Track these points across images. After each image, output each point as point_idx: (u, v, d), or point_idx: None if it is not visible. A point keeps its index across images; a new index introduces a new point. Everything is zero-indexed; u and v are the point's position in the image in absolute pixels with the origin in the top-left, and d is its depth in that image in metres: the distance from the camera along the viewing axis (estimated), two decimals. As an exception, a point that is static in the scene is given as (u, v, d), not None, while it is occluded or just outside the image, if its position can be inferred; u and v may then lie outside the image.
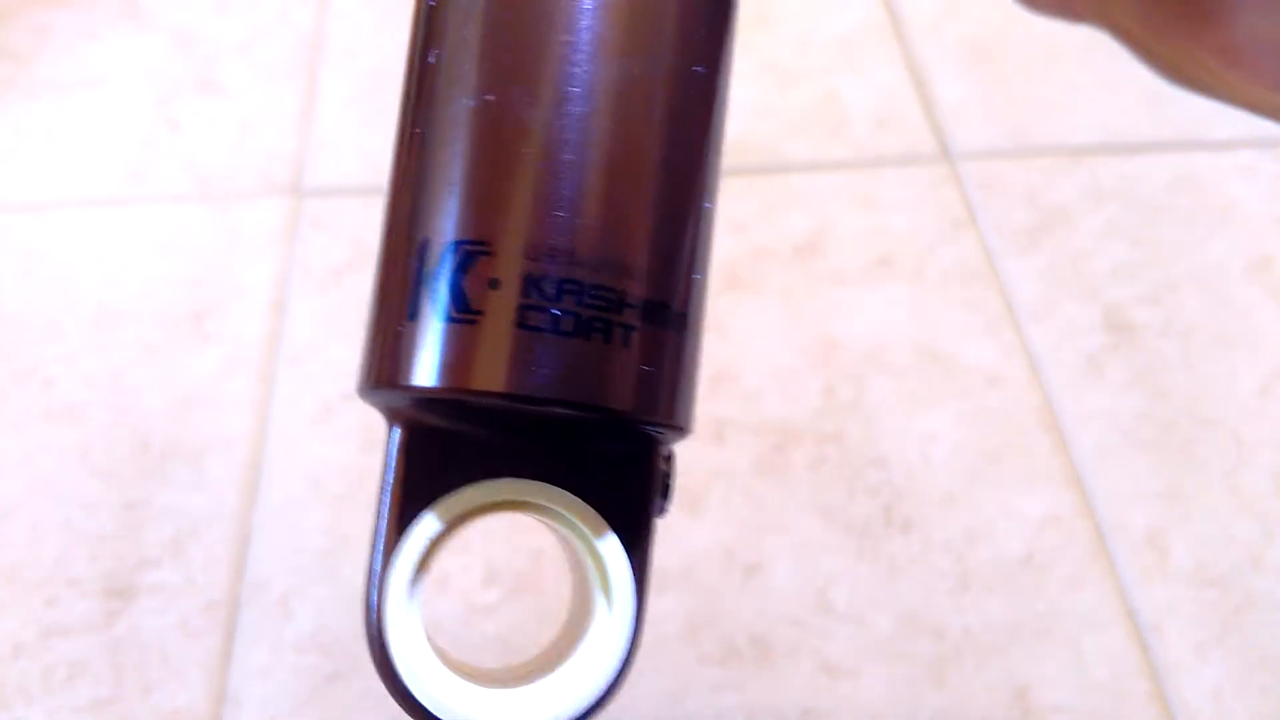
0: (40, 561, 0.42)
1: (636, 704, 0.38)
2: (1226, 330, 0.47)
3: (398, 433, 0.15)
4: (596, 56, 0.14)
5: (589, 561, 0.15)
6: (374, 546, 0.14)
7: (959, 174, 0.53)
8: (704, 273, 0.15)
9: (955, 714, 0.38)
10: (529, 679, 0.15)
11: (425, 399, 0.14)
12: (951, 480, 0.43)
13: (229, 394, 0.47)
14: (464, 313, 0.13)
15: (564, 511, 0.15)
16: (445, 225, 0.14)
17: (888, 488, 0.43)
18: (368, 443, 0.45)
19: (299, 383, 0.47)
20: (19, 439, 0.46)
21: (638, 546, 0.15)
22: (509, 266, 0.13)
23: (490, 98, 0.14)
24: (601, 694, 0.15)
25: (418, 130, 0.15)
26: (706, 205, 0.15)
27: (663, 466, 0.15)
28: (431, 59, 0.15)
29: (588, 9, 0.14)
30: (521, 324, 0.13)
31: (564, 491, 0.15)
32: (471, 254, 0.13)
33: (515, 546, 0.41)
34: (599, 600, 0.15)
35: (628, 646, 0.15)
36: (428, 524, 0.14)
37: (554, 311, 0.13)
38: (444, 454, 0.14)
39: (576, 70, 0.14)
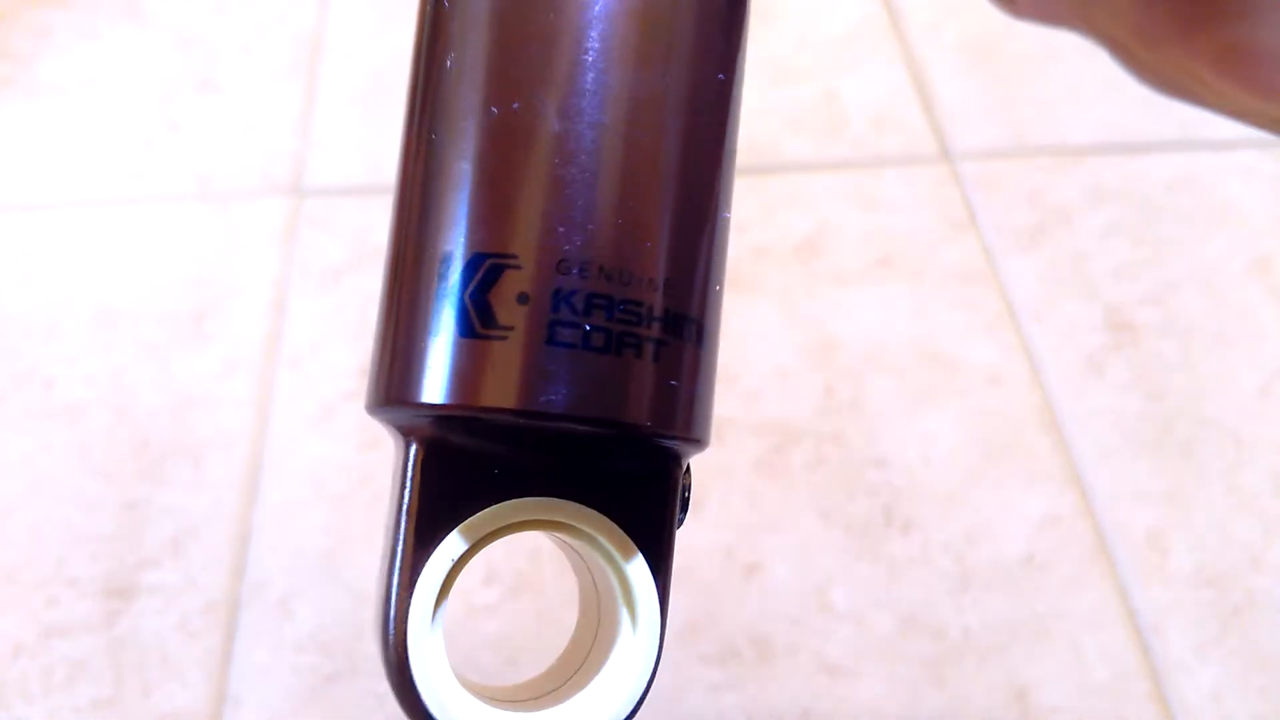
0: (40, 561, 0.42)
1: (636, 704, 0.38)
2: (1226, 330, 0.47)
3: (414, 451, 0.14)
4: (625, 65, 0.14)
5: (613, 580, 0.15)
6: (390, 568, 0.14)
7: (959, 174, 0.53)
8: (722, 283, 0.15)
9: (955, 714, 0.38)
10: (551, 700, 0.15)
11: (446, 417, 0.14)
12: (951, 480, 0.43)
13: (229, 394, 0.47)
14: (492, 328, 0.13)
15: (591, 530, 0.14)
16: (470, 238, 0.13)
17: (887, 488, 0.43)
18: (367, 443, 0.45)
19: (299, 383, 0.47)
20: (19, 439, 0.46)
21: (661, 563, 0.15)
22: (539, 281, 0.13)
23: (515, 106, 0.13)
24: (629, 713, 0.14)
25: (434, 137, 0.14)
26: (725, 215, 0.15)
27: (682, 480, 0.15)
28: (448, 63, 0.14)
29: (615, 16, 0.14)
30: (553, 340, 0.13)
31: (591, 510, 0.14)
32: (499, 268, 0.13)
33: (515, 546, 0.41)
34: (623, 618, 0.15)
35: (654, 665, 0.15)
36: (451, 545, 0.14)
37: (585, 327, 0.13)
38: (462, 473, 0.14)
39: (606, 79, 0.13)
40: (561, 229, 0.13)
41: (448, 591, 0.14)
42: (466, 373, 0.13)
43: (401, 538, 0.14)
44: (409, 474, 0.14)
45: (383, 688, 0.39)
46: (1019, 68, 0.58)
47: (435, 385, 0.13)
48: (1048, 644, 0.39)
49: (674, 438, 0.14)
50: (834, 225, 0.52)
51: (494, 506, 0.14)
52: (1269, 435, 0.43)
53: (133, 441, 0.45)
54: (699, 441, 0.15)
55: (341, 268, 0.51)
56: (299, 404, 0.46)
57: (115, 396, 0.47)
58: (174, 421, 0.46)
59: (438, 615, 0.14)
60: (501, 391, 0.13)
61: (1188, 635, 0.39)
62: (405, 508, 0.14)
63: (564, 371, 0.13)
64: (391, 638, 0.14)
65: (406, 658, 0.14)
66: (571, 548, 0.15)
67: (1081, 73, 0.56)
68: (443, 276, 0.13)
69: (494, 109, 0.13)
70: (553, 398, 0.13)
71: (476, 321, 0.13)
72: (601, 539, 0.14)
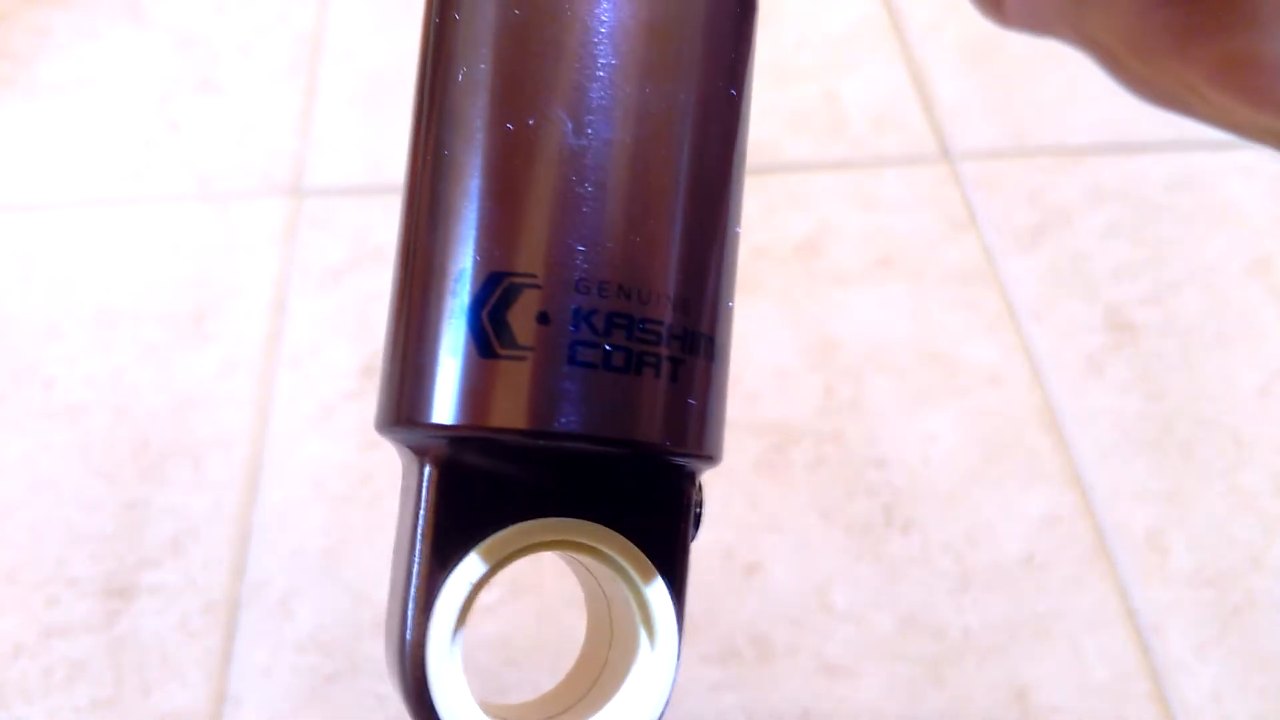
0: (40, 561, 0.42)
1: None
2: (1226, 330, 0.47)
3: (429, 471, 0.14)
4: (641, 81, 0.13)
5: (630, 600, 0.14)
6: (405, 591, 0.14)
7: (959, 174, 0.53)
8: (733, 298, 0.15)
9: (955, 714, 0.38)
10: (573, 716, 0.15)
11: (462, 438, 0.13)
12: (951, 480, 0.43)
13: (229, 394, 0.47)
14: (511, 348, 0.13)
15: (610, 551, 0.14)
16: (486, 256, 0.13)
17: (887, 488, 0.43)
18: (368, 443, 0.45)
19: (299, 383, 0.47)
20: (19, 439, 0.46)
21: (676, 581, 0.15)
22: (558, 300, 0.13)
23: (532, 122, 0.13)
24: None
25: (446, 153, 0.14)
26: (737, 229, 0.15)
27: (696, 496, 0.15)
28: (460, 77, 0.14)
29: (630, 31, 0.13)
30: (573, 360, 0.13)
31: (610, 530, 0.14)
32: (517, 287, 0.13)
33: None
34: (641, 637, 0.14)
35: (672, 682, 0.14)
36: (470, 567, 0.14)
37: (606, 347, 0.13)
38: (476, 493, 0.14)
39: (622, 95, 0.13)
40: (580, 247, 0.13)
41: (467, 615, 0.14)
42: (486, 394, 0.13)
43: (417, 560, 0.13)
44: (424, 495, 0.14)
45: (383, 688, 0.39)
46: (1019, 68, 0.58)
47: (453, 406, 0.13)
48: (1048, 644, 0.39)
49: (690, 455, 0.14)
50: (834, 225, 0.52)
51: (514, 527, 0.14)
52: (1269, 435, 0.43)
53: (133, 441, 0.45)
54: (712, 458, 0.15)
55: (341, 268, 0.51)
56: (299, 404, 0.46)
57: (115, 396, 0.47)
58: (174, 421, 0.46)
59: (457, 639, 0.14)
60: (523, 413, 0.13)
61: (1188, 635, 0.39)
62: (421, 529, 0.13)
63: (585, 392, 0.13)
64: (408, 662, 0.13)
65: (426, 683, 0.13)
66: (585, 566, 0.15)
67: (1081, 73, 0.56)
68: (458, 295, 0.13)
69: (509, 125, 0.13)
70: (574, 419, 0.13)
71: (495, 341, 0.13)
72: (620, 559, 0.14)
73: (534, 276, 0.13)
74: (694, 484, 0.15)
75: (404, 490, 0.15)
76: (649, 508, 0.15)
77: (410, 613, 0.13)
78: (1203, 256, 0.49)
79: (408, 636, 0.13)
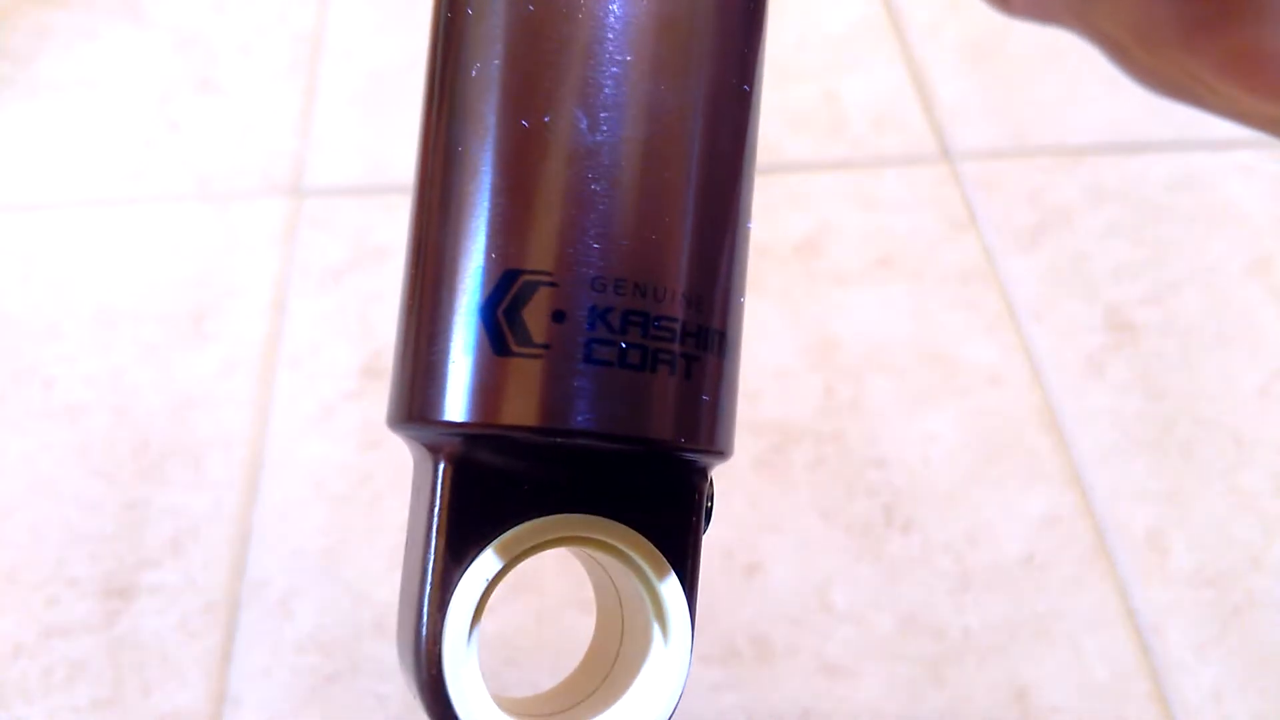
0: (40, 561, 0.42)
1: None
2: (1226, 330, 0.47)
3: (443, 468, 0.14)
4: (656, 78, 0.13)
5: (644, 594, 0.14)
6: (420, 588, 0.14)
7: (959, 174, 0.53)
8: (744, 294, 0.15)
9: (955, 714, 0.38)
10: (583, 711, 0.15)
11: (477, 435, 0.13)
12: (951, 480, 0.43)
13: (229, 394, 0.47)
14: (527, 346, 0.13)
15: (624, 547, 0.14)
16: (502, 253, 0.13)
17: (887, 488, 0.43)
18: (367, 443, 0.45)
19: (299, 383, 0.47)
20: (19, 439, 0.46)
21: (688, 575, 0.15)
22: (574, 298, 0.13)
23: (547, 119, 0.13)
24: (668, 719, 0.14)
25: (459, 149, 0.14)
26: (748, 225, 0.15)
27: (707, 491, 0.15)
28: (473, 73, 0.14)
29: (645, 28, 0.13)
30: (589, 358, 0.13)
31: (624, 526, 0.14)
32: (533, 284, 0.13)
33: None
34: (654, 632, 0.15)
35: (686, 676, 0.15)
36: (486, 563, 0.14)
37: (621, 344, 0.13)
38: (489, 490, 0.14)
39: (638, 92, 0.13)
40: (596, 245, 0.13)
41: (482, 611, 0.14)
42: (501, 392, 0.13)
43: (432, 556, 0.13)
44: (438, 492, 0.14)
45: (383, 688, 0.39)
46: (1019, 68, 0.58)
47: (469, 404, 0.13)
48: (1048, 644, 0.39)
49: (703, 451, 0.14)
50: (834, 225, 0.52)
51: (530, 523, 0.14)
52: (1269, 435, 0.43)
53: (133, 441, 0.45)
54: (724, 453, 0.15)
55: (341, 268, 0.51)
56: (299, 404, 0.46)
57: (115, 396, 0.47)
58: (174, 421, 0.46)
59: (473, 635, 0.14)
60: (539, 411, 0.13)
61: (1188, 635, 0.39)
62: (435, 526, 0.14)
63: (601, 389, 0.13)
64: (424, 659, 0.13)
65: (442, 679, 0.13)
66: (597, 562, 0.15)
67: (1081, 73, 0.56)
68: (473, 292, 0.13)
69: (524, 122, 0.13)
70: (590, 416, 0.13)
71: (511, 339, 0.13)
72: (634, 555, 0.14)
73: (549, 274, 0.13)
74: (706, 479, 0.15)
75: (415, 488, 0.15)
76: (661, 503, 0.15)
77: (425, 609, 0.13)
78: (1203, 256, 0.49)
79: (423, 633, 0.13)
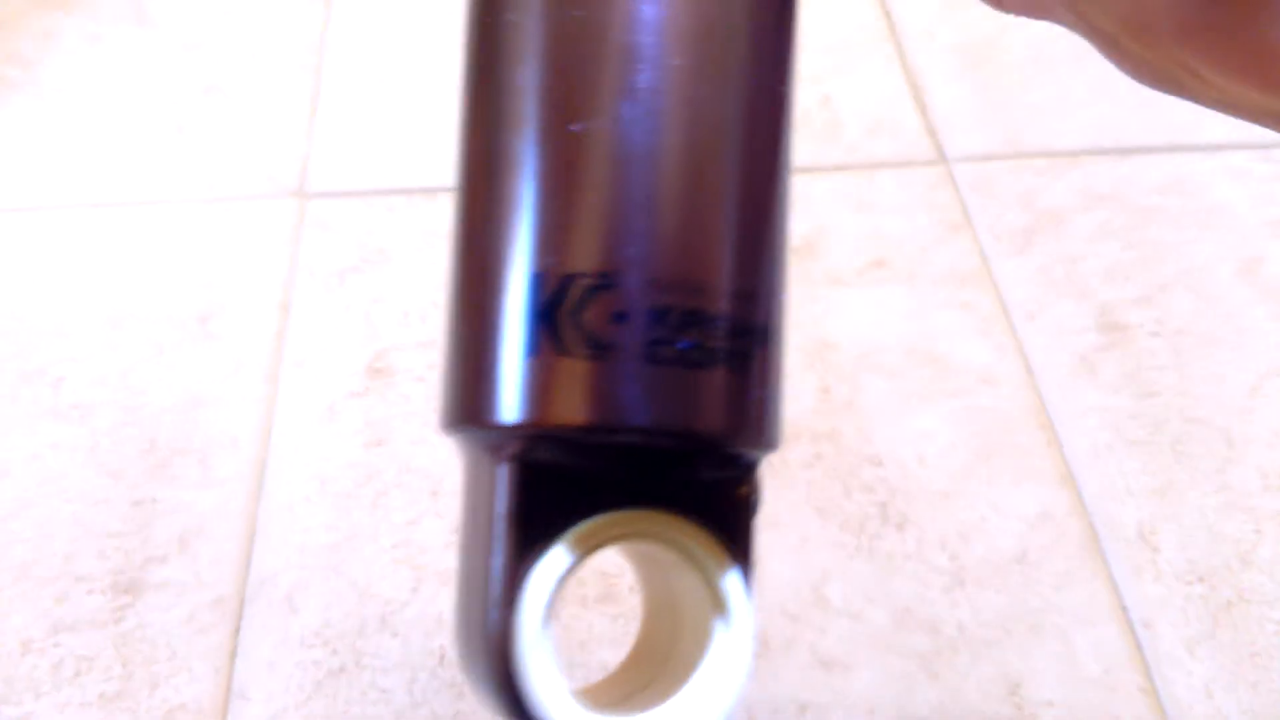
0: (49, 558, 0.43)
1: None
2: (1217, 330, 0.47)
3: (506, 468, 0.14)
4: (704, 80, 0.14)
5: (703, 587, 0.15)
6: (486, 585, 0.14)
7: (954, 177, 0.54)
8: (788, 287, 0.15)
9: (949, 708, 0.38)
10: (650, 699, 0.15)
11: (539, 435, 0.13)
12: (946, 478, 0.44)
13: (235, 393, 0.47)
14: (590, 348, 0.13)
15: (687, 540, 0.14)
16: (562, 257, 0.13)
17: (883, 485, 0.43)
18: (372, 441, 0.45)
19: (304, 382, 0.47)
20: (29, 437, 0.46)
21: (747, 565, 0.15)
22: (634, 300, 0.13)
23: (599, 124, 0.13)
24: (732, 708, 0.15)
25: (507, 155, 0.14)
26: (789, 220, 0.15)
27: (756, 483, 0.16)
28: (518, 80, 0.14)
29: (692, 31, 0.14)
30: (652, 359, 0.13)
31: (688, 521, 0.14)
32: (594, 287, 0.13)
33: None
34: (715, 623, 0.15)
35: (750, 665, 0.15)
36: (557, 558, 0.14)
37: (681, 345, 0.13)
38: (552, 488, 0.14)
39: (688, 94, 0.13)
40: (651, 246, 0.13)
41: (557, 606, 0.14)
42: (566, 392, 0.13)
43: (499, 555, 0.14)
44: (502, 491, 0.14)
45: (387, 681, 0.39)
46: (1012, 73, 0.58)
47: (533, 405, 0.13)
48: (1040, 639, 0.39)
49: (755, 445, 0.14)
50: (830, 227, 0.52)
51: (600, 518, 0.14)
52: (1258, 434, 0.44)
53: (140, 440, 0.46)
54: (773, 446, 0.15)
55: (346, 268, 0.52)
56: (304, 403, 0.47)
57: (123, 396, 0.47)
58: (181, 420, 0.46)
59: (548, 630, 0.14)
60: (604, 410, 0.13)
61: (1178, 630, 0.39)
62: (501, 525, 0.14)
63: (662, 388, 0.13)
64: (494, 656, 0.13)
65: (511, 675, 0.13)
66: (648, 557, 0.16)
67: (1074, 77, 0.57)
68: (533, 297, 0.13)
69: (573, 127, 0.13)
70: (652, 415, 0.13)
71: (574, 341, 0.13)
72: (696, 549, 0.14)
73: (609, 276, 0.13)
74: (755, 471, 0.15)
75: (470, 488, 0.15)
76: (715, 496, 0.15)
77: (493, 607, 0.13)
78: (1193, 258, 0.50)
79: (490, 631, 0.13)
